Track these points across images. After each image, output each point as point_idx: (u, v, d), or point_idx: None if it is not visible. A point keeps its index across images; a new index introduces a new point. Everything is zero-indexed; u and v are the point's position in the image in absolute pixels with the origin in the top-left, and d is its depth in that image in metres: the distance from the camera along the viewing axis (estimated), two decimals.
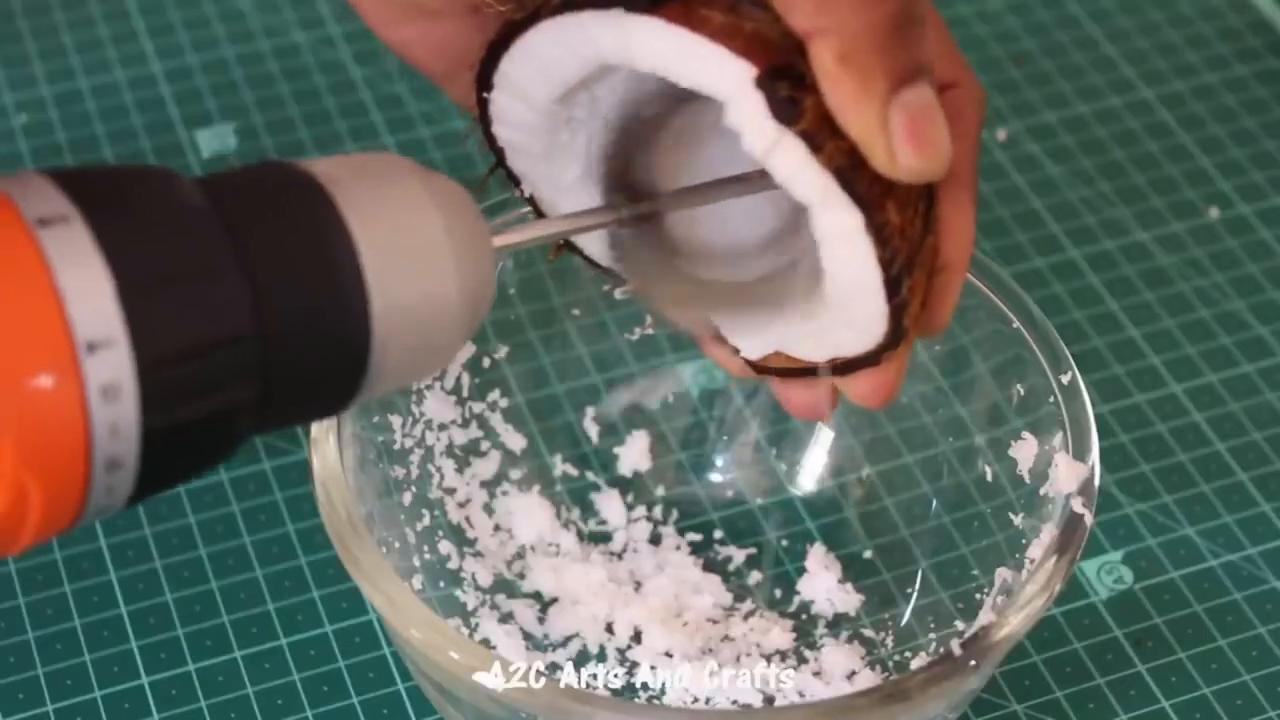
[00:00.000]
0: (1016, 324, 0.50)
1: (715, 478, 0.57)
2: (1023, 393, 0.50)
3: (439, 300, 0.37)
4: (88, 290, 0.32)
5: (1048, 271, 0.64)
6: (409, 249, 0.36)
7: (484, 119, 0.45)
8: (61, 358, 0.32)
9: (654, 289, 0.46)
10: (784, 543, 0.55)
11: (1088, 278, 0.64)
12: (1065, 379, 0.49)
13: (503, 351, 0.55)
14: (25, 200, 0.33)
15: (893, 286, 0.41)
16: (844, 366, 0.44)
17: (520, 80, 0.43)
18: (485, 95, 0.44)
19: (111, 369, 0.32)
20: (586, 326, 0.56)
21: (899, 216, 0.41)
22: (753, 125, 0.40)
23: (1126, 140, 0.69)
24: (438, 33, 0.45)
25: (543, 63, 0.42)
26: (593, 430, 0.57)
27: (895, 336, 0.43)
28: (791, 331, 0.45)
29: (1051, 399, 0.49)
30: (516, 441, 0.55)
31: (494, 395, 0.55)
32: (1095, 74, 0.72)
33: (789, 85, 0.39)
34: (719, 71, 0.40)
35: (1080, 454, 0.48)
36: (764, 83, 0.39)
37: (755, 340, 0.46)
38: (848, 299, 0.42)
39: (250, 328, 0.34)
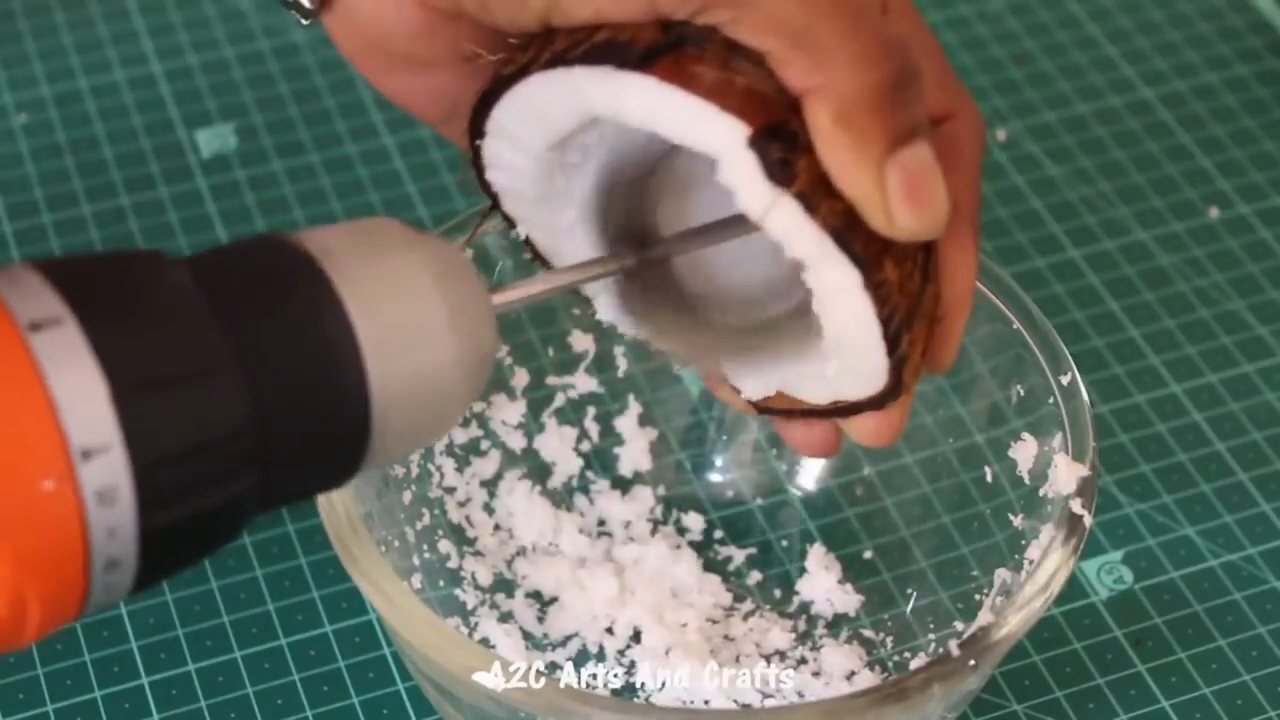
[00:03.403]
0: (1016, 324, 0.50)
1: (715, 478, 0.57)
2: (1022, 393, 0.50)
3: (439, 368, 0.36)
4: (81, 396, 0.32)
5: (1048, 271, 0.64)
6: (405, 321, 0.36)
7: (477, 164, 0.45)
8: (57, 465, 0.32)
9: (659, 335, 0.45)
10: (784, 543, 0.55)
11: (1088, 278, 0.64)
12: (1065, 379, 0.49)
13: (503, 351, 0.55)
14: (18, 302, 0.33)
15: (892, 342, 0.41)
16: (848, 409, 0.44)
17: (513, 128, 0.43)
18: (477, 142, 0.44)
19: (107, 473, 0.32)
20: (586, 326, 0.56)
21: (897, 273, 0.40)
22: (746, 185, 0.39)
23: (1126, 140, 0.69)
24: (432, 82, 0.45)
25: (535, 113, 0.42)
26: (593, 430, 0.57)
27: (895, 389, 0.43)
28: (794, 375, 0.45)
29: (1051, 399, 0.49)
30: (516, 441, 0.55)
31: (494, 395, 0.55)
32: (1095, 74, 0.72)
33: (781, 146, 0.39)
34: (711, 130, 0.39)
35: (1079, 454, 0.48)
36: (757, 144, 0.39)
37: (757, 382, 0.46)
38: (848, 352, 0.42)
39: (248, 422, 0.34)
